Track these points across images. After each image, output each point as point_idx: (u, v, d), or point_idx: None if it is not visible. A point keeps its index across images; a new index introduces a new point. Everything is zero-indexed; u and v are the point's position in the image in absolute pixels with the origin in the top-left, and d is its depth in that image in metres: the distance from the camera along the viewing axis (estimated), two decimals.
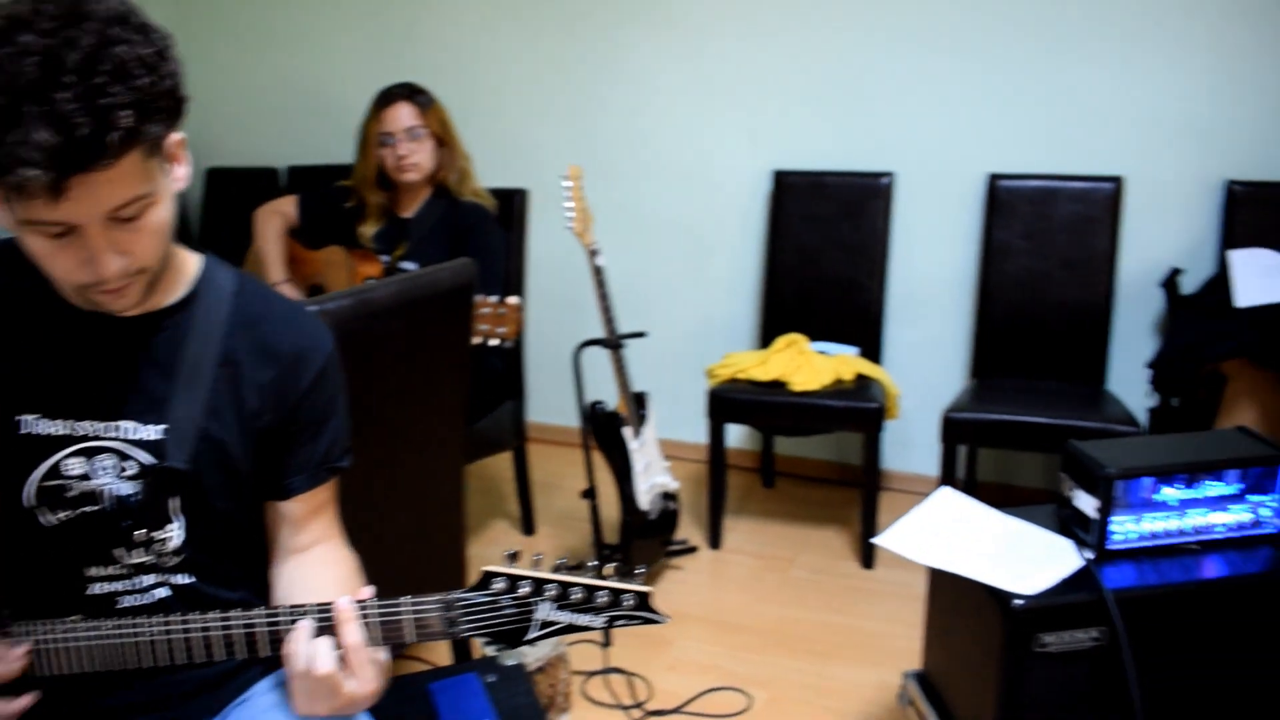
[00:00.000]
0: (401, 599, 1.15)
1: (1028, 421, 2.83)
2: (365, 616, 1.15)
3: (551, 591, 1.12)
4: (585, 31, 3.73)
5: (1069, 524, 1.93)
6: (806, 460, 3.81)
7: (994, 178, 3.27)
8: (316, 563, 1.37)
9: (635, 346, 3.47)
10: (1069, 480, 1.91)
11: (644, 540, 2.92)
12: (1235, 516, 1.91)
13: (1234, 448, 1.92)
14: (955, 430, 2.91)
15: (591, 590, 1.12)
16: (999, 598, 1.75)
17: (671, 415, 3.89)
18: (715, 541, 3.26)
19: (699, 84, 3.63)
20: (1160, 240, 3.24)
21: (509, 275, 3.14)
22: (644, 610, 1.13)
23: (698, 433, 3.17)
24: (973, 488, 3.47)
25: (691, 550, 3.23)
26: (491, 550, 3.25)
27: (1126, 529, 1.86)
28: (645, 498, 2.87)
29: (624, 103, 3.74)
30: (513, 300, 2.42)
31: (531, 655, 2.25)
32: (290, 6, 4.16)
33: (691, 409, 3.51)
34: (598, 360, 2.91)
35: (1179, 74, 3.14)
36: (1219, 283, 2.84)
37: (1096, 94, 3.22)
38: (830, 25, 3.44)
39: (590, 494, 2.91)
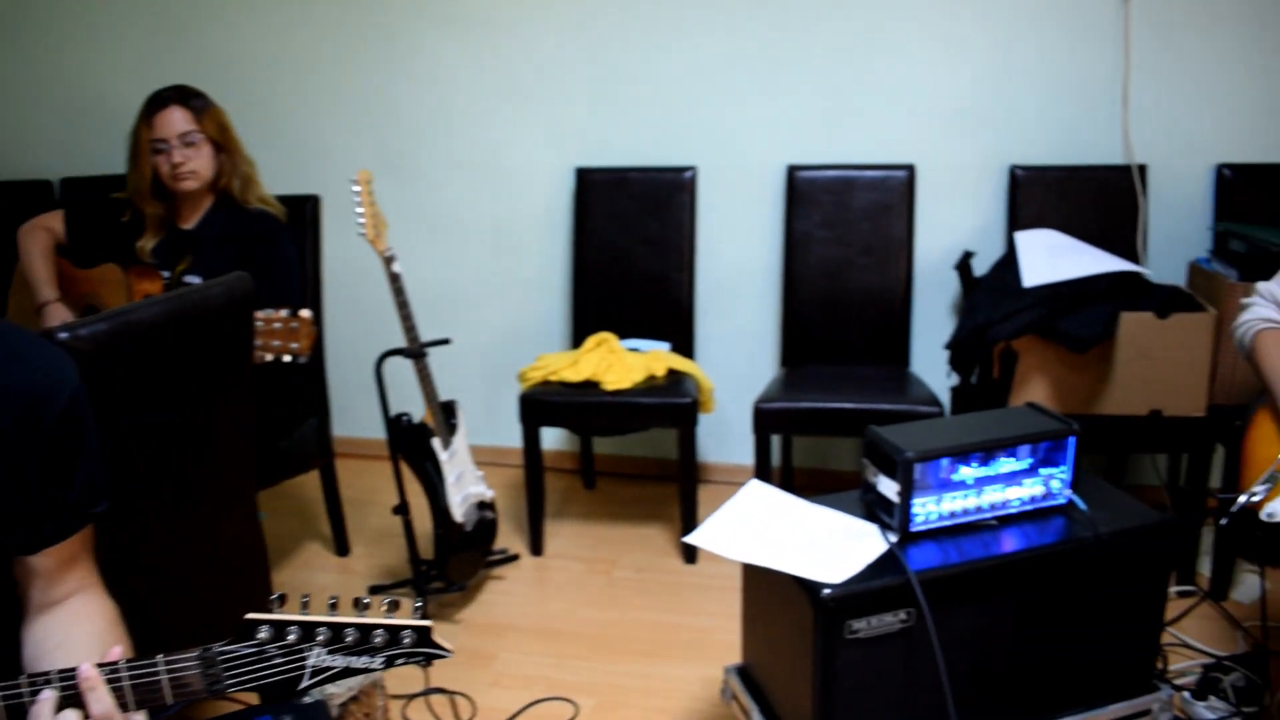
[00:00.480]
0: (156, 657, 1.04)
1: (834, 408, 2.88)
2: (114, 680, 1.03)
3: (323, 635, 1.04)
4: (378, 29, 3.59)
5: (874, 508, 1.95)
6: (626, 459, 3.79)
7: (793, 169, 3.31)
8: (70, 618, 1.24)
9: (446, 353, 3.36)
10: (870, 465, 1.93)
11: (462, 553, 2.83)
12: (1029, 490, 1.97)
13: (1024, 424, 1.98)
14: (766, 420, 2.93)
15: (367, 630, 1.04)
16: (808, 588, 1.75)
17: (489, 421, 3.81)
18: (537, 548, 3.20)
19: (498, 82, 3.55)
20: (953, 224, 3.36)
21: (304, 286, 2.99)
22: (425, 646, 1.06)
23: (517, 438, 3.10)
24: (789, 475, 3.51)
25: (513, 559, 3.16)
26: (305, 575, 3.10)
27: (928, 510, 1.89)
28: (460, 509, 2.78)
29: (421, 102, 3.62)
30: (305, 313, 2.29)
31: (341, 684, 2.14)
32: (59, 2, 3.86)
33: (509, 414, 3.43)
34: (404, 370, 2.80)
35: (964, 64, 3.25)
36: (1008, 263, 2.95)
37: (889, 85, 3.30)
38: (629, 21, 3.41)
39: (402, 510, 2.80)
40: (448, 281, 3.73)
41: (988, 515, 1.95)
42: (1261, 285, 2.14)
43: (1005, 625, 1.88)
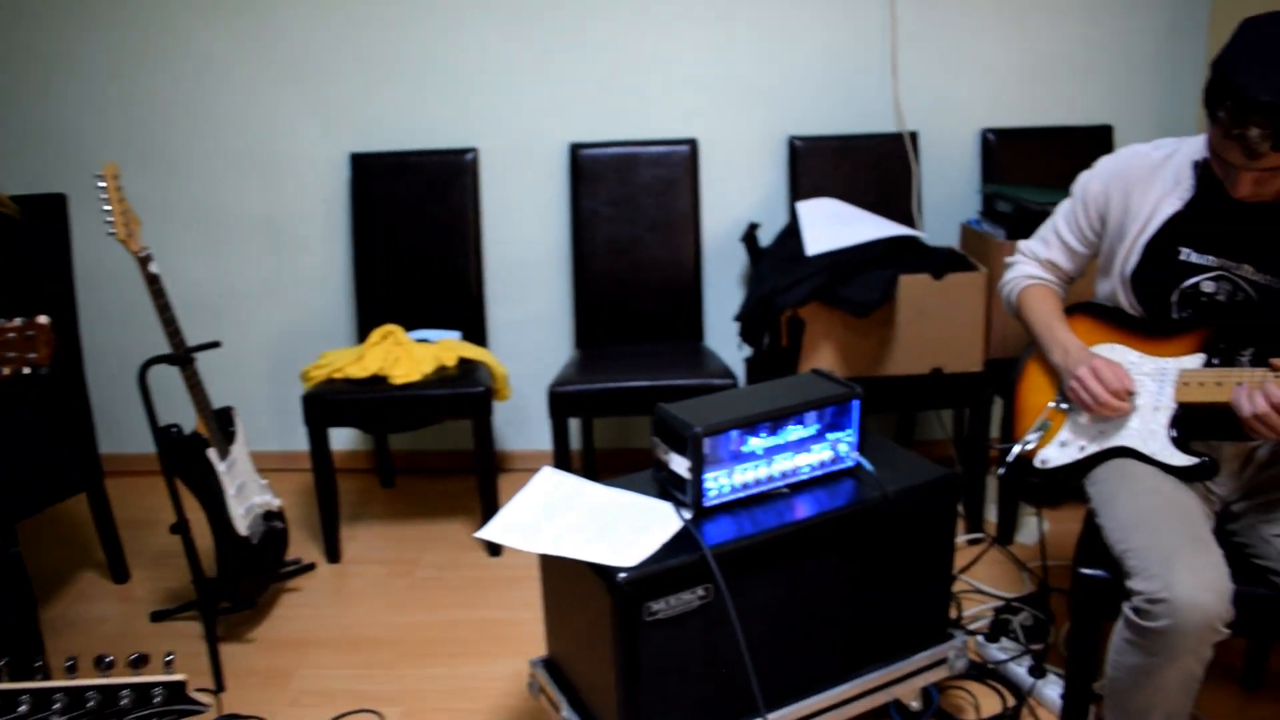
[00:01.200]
0: None
1: (629, 387, 2.85)
2: None
3: (59, 703, 0.91)
4: (124, 10, 3.32)
5: (667, 487, 1.92)
6: (424, 453, 3.67)
7: (575, 147, 3.26)
8: None
9: (225, 356, 3.17)
10: (661, 444, 1.90)
11: (250, 568, 2.66)
12: (818, 456, 1.98)
13: (810, 390, 1.98)
14: (562, 404, 2.87)
15: (113, 691, 0.92)
16: (603, 574, 1.70)
17: (278, 425, 3.62)
18: (333, 555, 3.05)
19: (263, 65, 3.34)
20: (737, 197, 3.38)
21: (51, 291, 2.73)
22: (179, 702, 0.95)
23: (307, 441, 2.94)
24: (591, 458, 3.47)
25: (308, 569, 3.00)
26: (80, 609, 2.86)
27: (720, 484, 1.87)
28: (244, 522, 2.61)
29: (178, 89, 3.37)
30: (41, 319, 2.08)
31: None
32: None
33: (298, 416, 3.26)
34: (175, 379, 2.60)
35: (740, 39, 3.27)
36: (791, 233, 2.99)
37: (667, 61, 3.29)
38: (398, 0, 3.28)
39: (181, 528, 2.59)
40: (221, 280, 3.50)
41: (780, 484, 1.95)
42: (1023, 244, 2.22)
43: (805, 590, 1.89)
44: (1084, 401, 1.91)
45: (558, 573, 1.97)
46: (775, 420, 1.90)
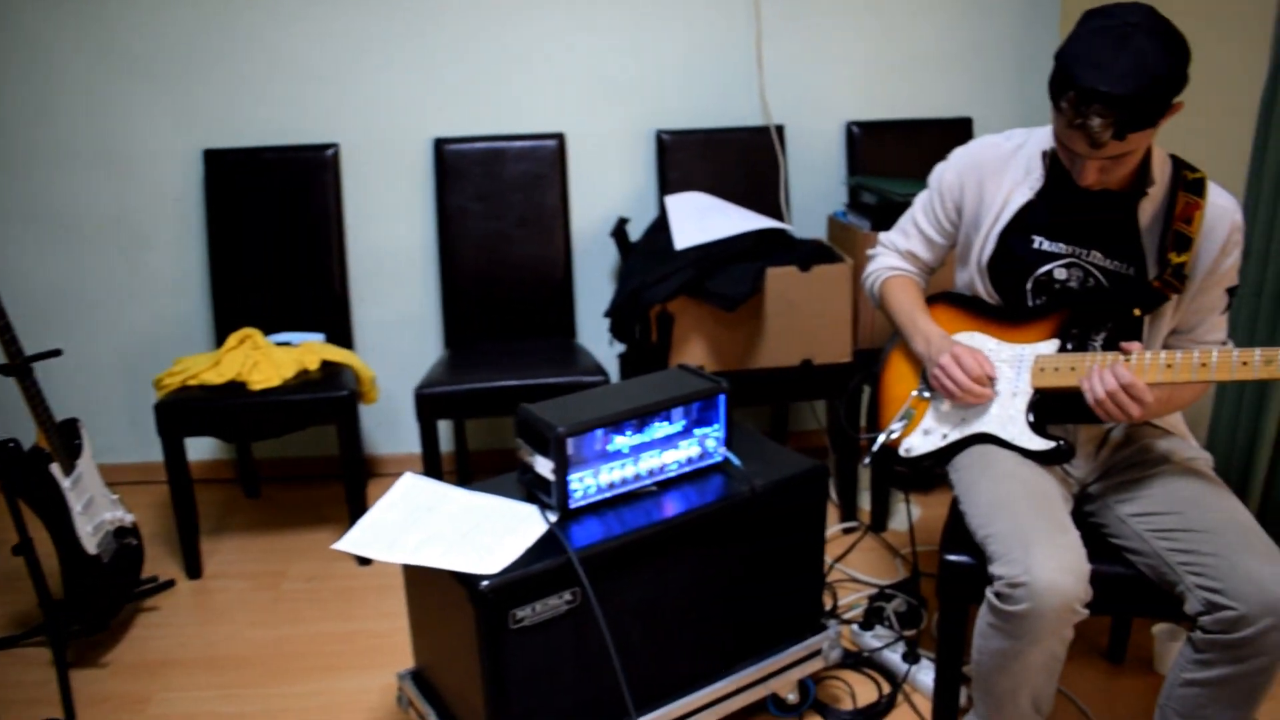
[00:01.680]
0: None
1: (498, 387, 2.79)
2: None
3: None
4: None
5: (532, 489, 1.87)
6: (291, 460, 3.54)
7: (440, 142, 3.18)
8: None
9: (72, 365, 3.00)
10: (525, 445, 1.86)
11: (101, 587, 2.52)
12: (686, 452, 1.96)
13: (676, 386, 1.96)
14: (429, 406, 2.80)
15: None
16: (465, 582, 1.65)
17: (134, 436, 3.46)
18: (194, 570, 2.91)
19: (107, 57, 3.16)
20: (607, 191, 3.35)
21: None
22: None
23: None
24: (464, 460, 3.40)
25: (166, 586, 2.86)
26: None
27: (586, 485, 1.83)
28: (93, 540, 2.47)
29: (12, 82, 3.18)
30: None
31: None
32: None
33: (154, 426, 3.11)
34: (11, 391, 2.45)
35: (606, 32, 3.23)
36: (660, 227, 2.97)
37: (533, 54, 3.23)
38: None
39: (24, 549, 2.44)
40: (66, 284, 3.32)
41: (647, 482, 1.92)
42: (884, 235, 2.24)
43: (677, 588, 1.87)
44: (947, 389, 1.93)
45: (422, 582, 1.91)
46: (641, 418, 1.87)
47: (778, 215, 3.27)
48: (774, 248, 2.84)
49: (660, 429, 1.91)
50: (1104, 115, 1.60)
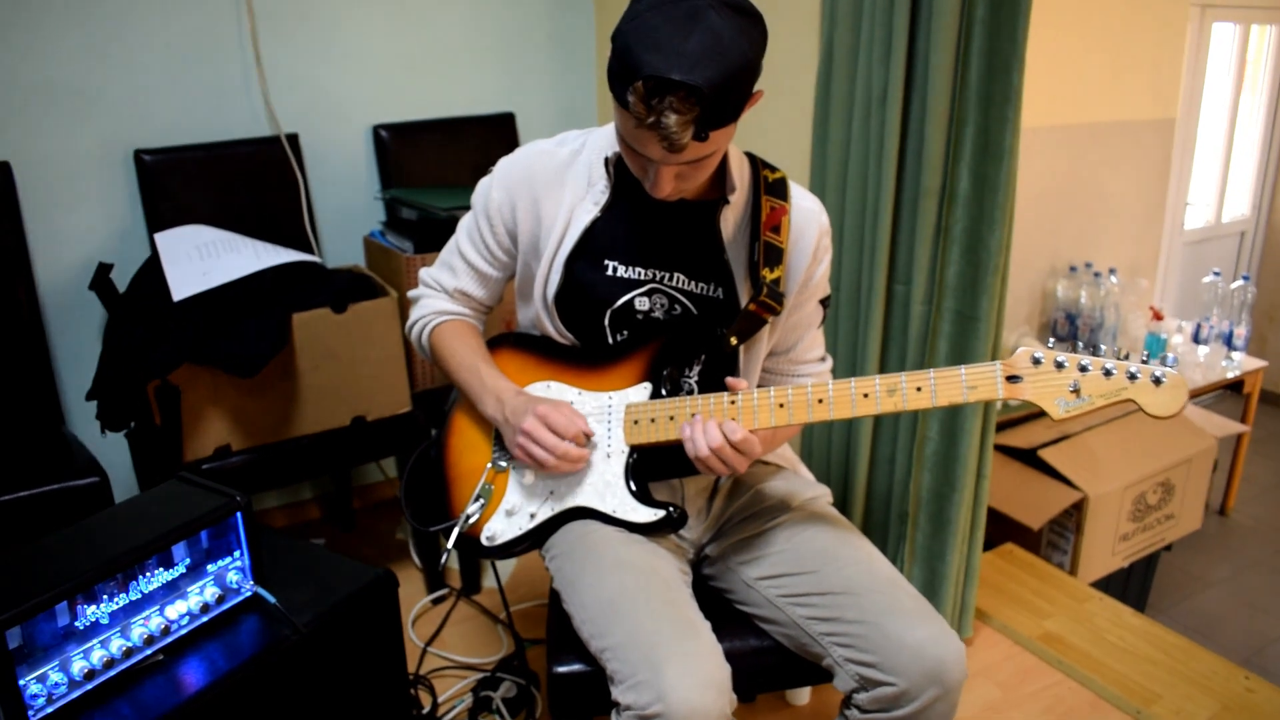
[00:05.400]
0: None
1: None
2: None
3: None
4: None
5: None
6: None
7: None
8: None
9: None
10: None
11: None
12: (199, 599, 1.45)
13: (173, 511, 1.44)
14: None
15: None
16: None
17: None
18: None
19: None
20: (82, 233, 2.65)
21: None
22: None
23: None
24: None
25: None
26: None
27: (55, 683, 1.27)
28: None
29: None
30: None
31: None
32: None
33: None
34: None
35: (52, 35, 2.52)
36: (152, 273, 2.35)
37: None
38: None
39: None
40: None
41: (148, 653, 1.38)
42: (425, 273, 1.79)
43: None
44: (538, 458, 1.53)
45: None
46: (124, 573, 1.33)
47: (304, 244, 2.75)
48: (301, 285, 2.33)
49: (157, 578, 1.38)
50: (681, 111, 1.27)
